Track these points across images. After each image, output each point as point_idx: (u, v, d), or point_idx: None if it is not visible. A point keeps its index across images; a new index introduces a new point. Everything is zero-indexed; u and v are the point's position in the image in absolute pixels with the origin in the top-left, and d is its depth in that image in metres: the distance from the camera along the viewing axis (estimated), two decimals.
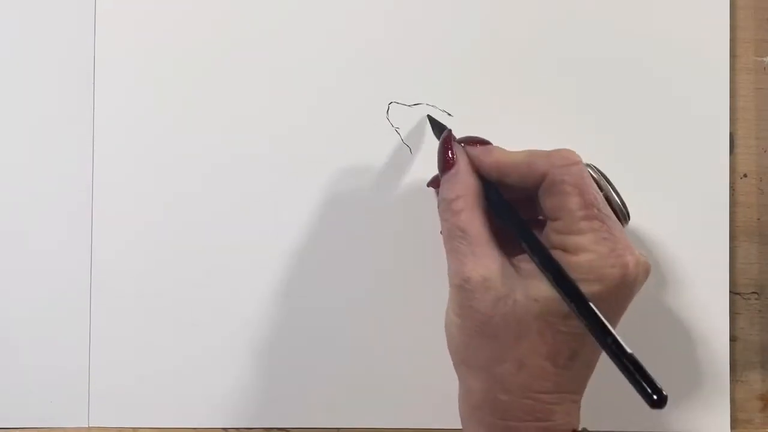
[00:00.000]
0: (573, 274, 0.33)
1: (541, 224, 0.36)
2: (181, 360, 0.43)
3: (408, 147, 0.43)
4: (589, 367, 0.35)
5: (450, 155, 0.37)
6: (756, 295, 0.44)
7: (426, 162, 0.43)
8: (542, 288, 0.33)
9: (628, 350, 0.31)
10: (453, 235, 0.35)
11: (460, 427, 0.43)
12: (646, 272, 0.34)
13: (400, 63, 0.44)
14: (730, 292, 0.44)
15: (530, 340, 0.33)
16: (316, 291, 0.43)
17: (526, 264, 0.34)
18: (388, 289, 0.43)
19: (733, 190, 0.44)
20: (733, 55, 0.44)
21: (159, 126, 0.43)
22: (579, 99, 0.44)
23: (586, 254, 0.33)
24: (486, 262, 0.34)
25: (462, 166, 0.36)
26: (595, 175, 0.36)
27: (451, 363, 0.43)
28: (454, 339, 0.36)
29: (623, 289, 0.33)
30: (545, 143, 0.44)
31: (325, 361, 0.43)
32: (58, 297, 0.43)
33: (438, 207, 0.37)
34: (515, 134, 0.44)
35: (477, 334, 0.34)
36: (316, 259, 0.43)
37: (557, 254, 0.33)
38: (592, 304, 0.32)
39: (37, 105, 0.43)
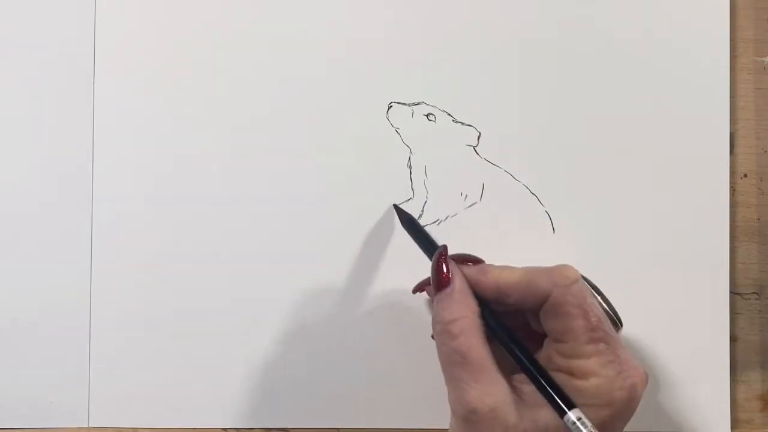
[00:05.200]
0: (581, 400, 0.32)
1: (536, 336, 0.35)
2: (181, 360, 0.43)
3: (408, 147, 0.43)
4: None
5: (445, 272, 0.35)
6: (756, 295, 0.44)
7: (424, 162, 0.43)
8: (550, 416, 0.32)
9: None
10: (452, 361, 0.33)
11: None
12: (647, 383, 0.34)
13: (400, 63, 0.44)
14: (730, 292, 0.44)
15: None
16: (315, 292, 0.43)
17: (528, 386, 0.33)
18: (388, 290, 0.43)
19: (733, 190, 0.44)
20: (733, 55, 0.44)
21: (159, 126, 0.43)
22: (578, 99, 0.44)
23: (594, 379, 0.32)
24: (491, 390, 0.32)
25: (458, 284, 0.34)
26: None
27: None
28: None
29: (630, 409, 0.33)
30: (545, 142, 0.44)
31: (325, 361, 0.43)
32: (58, 297, 0.43)
33: (433, 327, 0.35)
34: (515, 134, 0.44)
35: None
36: (315, 261, 0.43)
37: (562, 378, 0.33)
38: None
39: (37, 105, 0.43)
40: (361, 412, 0.43)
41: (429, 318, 0.43)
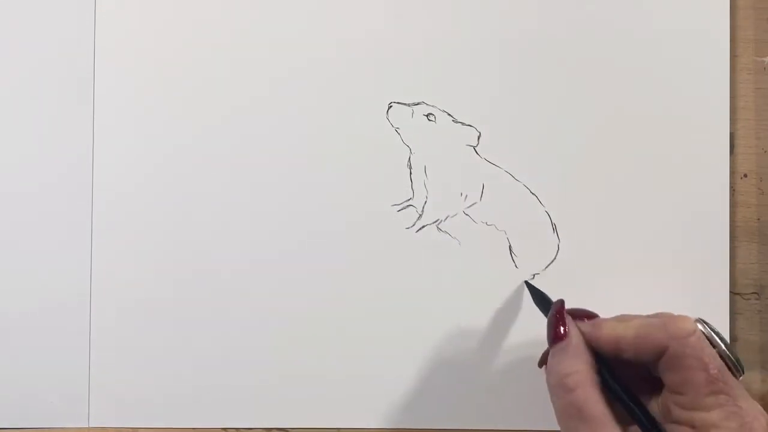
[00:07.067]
0: None
1: (657, 381, 0.35)
2: (181, 360, 0.43)
3: (408, 147, 0.43)
4: None
5: (561, 327, 0.36)
6: (756, 295, 0.44)
7: (424, 162, 0.43)
8: None
9: None
10: (568, 414, 0.33)
11: (460, 426, 0.43)
12: None
13: (400, 63, 0.44)
14: (730, 292, 0.44)
15: None
16: (315, 292, 0.43)
17: None
18: (388, 290, 0.43)
19: (733, 190, 0.44)
20: (733, 55, 0.44)
21: (159, 125, 0.43)
22: (579, 99, 0.44)
23: None
24: None
25: (574, 338, 0.35)
26: (705, 331, 0.35)
27: (452, 363, 0.43)
28: None
29: None
30: (545, 142, 0.44)
31: (325, 361, 0.43)
32: (58, 297, 0.43)
33: (547, 381, 0.35)
34: (515, 134, 0.44)
35: None
36: (315, 260, 0.43)
37: (684, 431, 0.33)
38: None
39: (38, 105, 0.43)
40: (361, 412, 0.43)
41: (429, 317, 0.43)
